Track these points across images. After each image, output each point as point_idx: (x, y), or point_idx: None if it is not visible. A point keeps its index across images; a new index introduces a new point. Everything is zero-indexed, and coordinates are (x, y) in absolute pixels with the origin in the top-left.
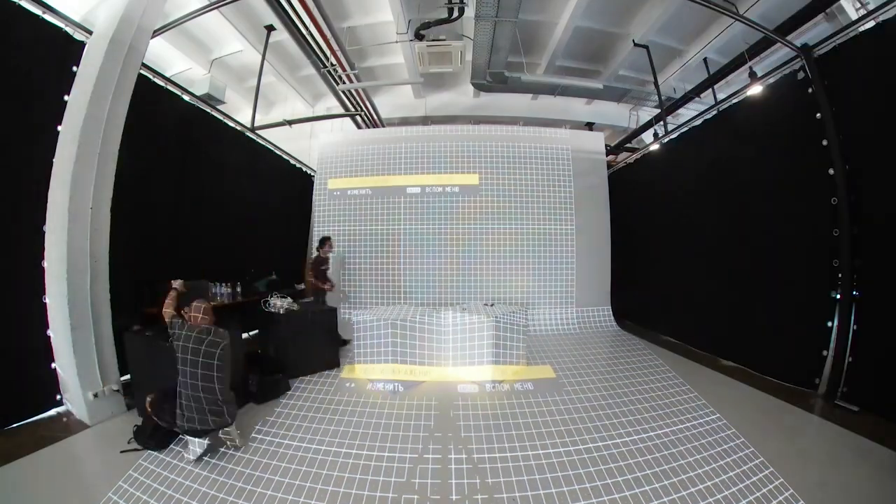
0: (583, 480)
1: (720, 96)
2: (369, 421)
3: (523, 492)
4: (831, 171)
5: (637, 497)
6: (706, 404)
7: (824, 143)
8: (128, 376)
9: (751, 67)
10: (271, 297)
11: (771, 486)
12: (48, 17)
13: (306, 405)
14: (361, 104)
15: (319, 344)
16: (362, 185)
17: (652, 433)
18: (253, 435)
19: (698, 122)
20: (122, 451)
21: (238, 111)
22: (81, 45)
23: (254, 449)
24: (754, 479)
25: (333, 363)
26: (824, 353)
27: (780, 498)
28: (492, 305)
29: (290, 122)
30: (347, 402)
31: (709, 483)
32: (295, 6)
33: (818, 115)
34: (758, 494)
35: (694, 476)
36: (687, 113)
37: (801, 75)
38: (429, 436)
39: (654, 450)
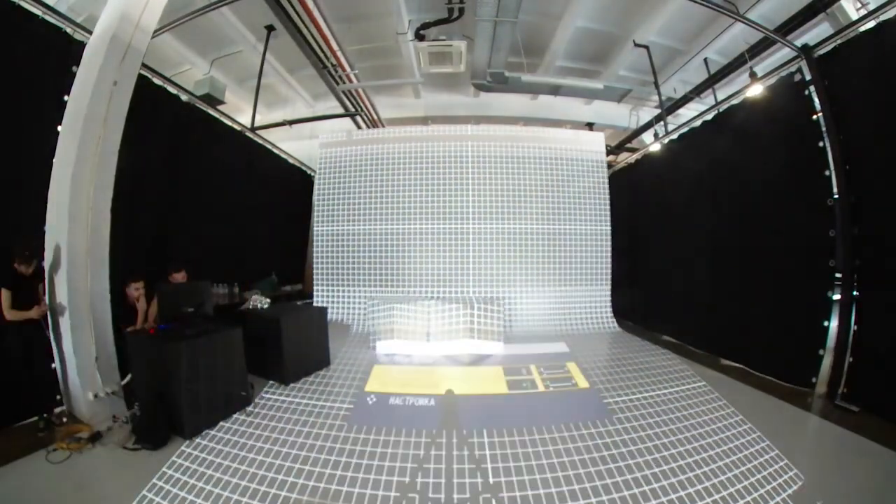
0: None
1: (720, 97)
2: None
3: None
4: (827, 173)
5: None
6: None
7: (821, 144)
8: (128, 378)
9: (751, 68)
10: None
11: (769, 487)
12: (48, 17)
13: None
14: (361, 104)
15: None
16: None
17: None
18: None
19: (698, 122)
20: (123, 447)
21: (238, 111)
22: (81, 45)
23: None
24: (753, 479)
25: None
26: (820, 352)
27: (778, 499)
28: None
29: (290, 123)
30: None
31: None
32: (295, 6)
33: (814, 116)
34: (754, 495)
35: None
36: (687, 113)
37: (797, 77)
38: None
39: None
